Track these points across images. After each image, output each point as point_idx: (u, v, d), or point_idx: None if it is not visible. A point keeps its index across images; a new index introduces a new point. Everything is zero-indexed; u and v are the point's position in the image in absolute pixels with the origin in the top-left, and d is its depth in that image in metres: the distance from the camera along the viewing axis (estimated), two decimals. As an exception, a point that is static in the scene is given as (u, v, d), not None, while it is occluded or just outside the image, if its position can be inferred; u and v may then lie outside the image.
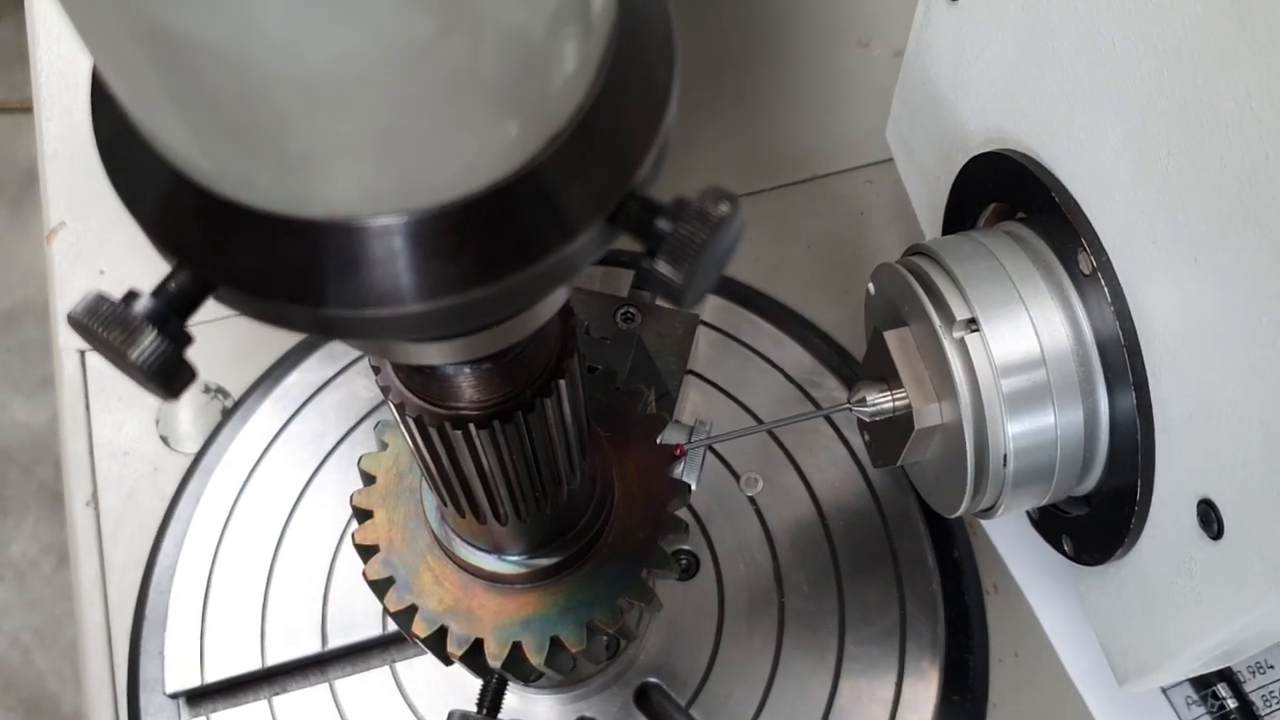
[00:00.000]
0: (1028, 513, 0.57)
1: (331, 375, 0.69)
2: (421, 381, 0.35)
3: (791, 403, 0.68)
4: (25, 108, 2.08)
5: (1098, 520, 0.50)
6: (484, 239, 0.23)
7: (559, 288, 0.25)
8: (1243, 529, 0.41)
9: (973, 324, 0.47)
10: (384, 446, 0.50)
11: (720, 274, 0.25)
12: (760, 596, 0.64)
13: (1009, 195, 0.50)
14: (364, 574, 0.48)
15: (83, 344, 0.73)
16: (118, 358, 0.24)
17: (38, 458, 1.93)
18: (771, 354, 0.69)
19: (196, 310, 0.24)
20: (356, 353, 0.69)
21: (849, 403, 0.52)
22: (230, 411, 0.70)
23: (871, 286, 0.55)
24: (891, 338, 0.50)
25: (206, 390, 0.72)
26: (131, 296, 0.24)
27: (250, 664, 0.62)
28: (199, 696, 0.62)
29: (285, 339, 0.72)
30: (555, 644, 0.47)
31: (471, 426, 0.35)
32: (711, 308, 0.70)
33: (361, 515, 0.49)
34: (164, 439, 0.71)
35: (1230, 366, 0.39)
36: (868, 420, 0.53)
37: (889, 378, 0.51)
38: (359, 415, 0.67)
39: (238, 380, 0.71)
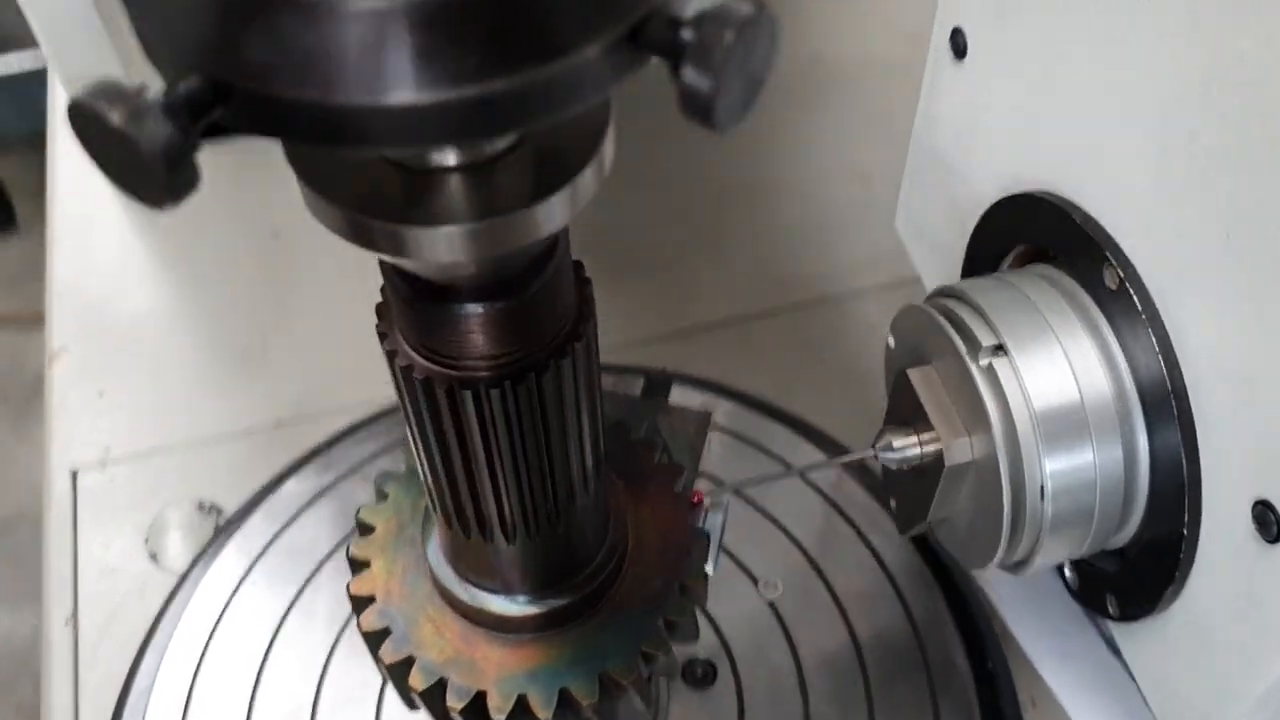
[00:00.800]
0: (1066, 583, 0.54)
1: (329, 483, 0.66)
2: (431, 334, 0.33)
3: (805, 499, 0.65)
4: (36, 319, 2.13)
5: (1141, 565, 0.47)
6: (505, 28, 0.22)
7: (576, 107, 0.24)
8: None
9: (1000, 350, 0.46)
10: (384, 498, 0.47)
11: (756, 88, 0.24)
12: (784, 707, 0.59)
13: (1027, 235, 0.50)
14: (358, 624, 0.44)
15: (75, 463, 0.71)
16: (121, 143, 0.22)
17: (16, 676, 1.85)
18: (786, 455, 0.67)
19: (206, 117, 0.23)
20: (353, 461, 0.67)
21: (873, 448, 0.50)
22: (223, 529, 0.67)
23: (891, 340, 0.53)
24: (915, 375, 0.49)
25: (200, 507, 0.69)
26: (142, 88, 0.23)
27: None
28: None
29: (282, 455, 0.70)
30: (564, 698, 0.43)
31: (482, 388, 0.33)
32: (724, 412, 0.69)
33: (358, 566, 0.46)
34: (153, 556, 0.67)
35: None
36: (894, 467, 0.50)
37: (915, 422, 0.49)
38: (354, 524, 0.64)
39: (232, 498, 0.69)
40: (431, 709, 0.43)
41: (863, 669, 0.60)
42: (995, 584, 0.65)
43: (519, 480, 0.37)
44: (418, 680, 0.43)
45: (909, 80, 0.87)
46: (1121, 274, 0.44)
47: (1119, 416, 0.46)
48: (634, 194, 0.75)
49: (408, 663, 0.43)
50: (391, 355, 0.34)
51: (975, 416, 0.47)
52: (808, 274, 0.78)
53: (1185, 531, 0.44)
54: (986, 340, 0.46)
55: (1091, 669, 0.63)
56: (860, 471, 0.66)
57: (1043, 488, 0.45)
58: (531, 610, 0.43)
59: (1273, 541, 0.39)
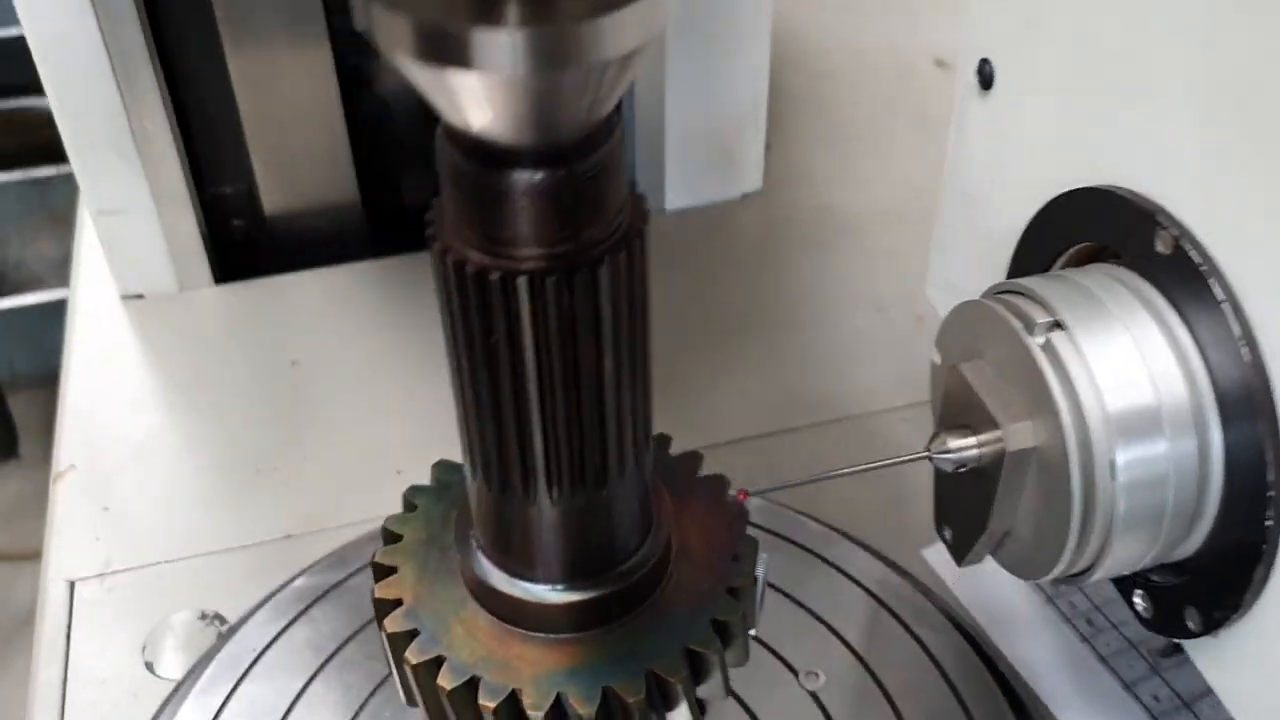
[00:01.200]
0: (1138, 614, 0.50)
1: (340, 579, 0.63)
2: (486, 214, 0.32)
3: (845, 592, 0.62)
4: (27, 555, 2.07)
5: (1217, 567, 0.44)
6: None
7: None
8: None
9: (1058, 325, 0.44)
10: (412, 509, 0.45)
11: None
12: (833, 802, 0.54)
13: (1070, 237, 0.49)
14: (382, 628, 0.41)
15: (73, 575, 0.68)
16: None
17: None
18: (818, 548, 0.64)
19: None
20: (367, 557, 0.63)
21: (928, 450, 0.48)
22: (225, 636, 0.63)
23: (937, 356, 0.52)
24: (968, 369, 0.47)
25: (202, 617, 0.65)
26: None
27: None
28: None
29: (292, 566, 0.67)
30: (607, 699, 0.39)
31: (537, 278, 0.32)
32: (755, 508, 0.66)
33: (382, 572, 0.43)
34: (149, 665, 0.63)
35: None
36: (949, 469, 0.48)
37: (970, 422, 0.47)
38: (368, 618, 0.61)
39: (237, 608, 0.65)
40: (459, 715, 0.40)
41: (917, 761, 0.55)
42: (1042, 677, 0.62)
43: (569, 406, 0.35)
44: (447, 679, 0.39)
45: (915, 225, 0.90)
46: (1175, 235, 0.44)
47: (1192, 407, 0.44)
48: (659, 321, 0.76)
49: (436, 663, 0.40)
50: (442, 255, 0.33)
51: (1037, 398, 0.44)
52: (829, 394, 0.78)
53: (1267, 528, 0.41)
54: (1041, 318, 0.45)
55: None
56: (906, 562, 0.64)
57: (1113, 466, 0.43)
58: (571, 598, 0.40)
59: None
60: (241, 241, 0.88)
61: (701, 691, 0.42)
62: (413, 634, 0.40)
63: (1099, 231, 0.48)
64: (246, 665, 0.59)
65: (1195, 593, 0.47)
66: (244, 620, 0.63)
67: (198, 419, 0.77)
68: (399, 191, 0.92)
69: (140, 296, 0.85)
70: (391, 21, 0.28)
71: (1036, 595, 0.66)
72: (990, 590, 0.66)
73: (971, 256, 0.57)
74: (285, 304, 0.85)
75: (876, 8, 1.12)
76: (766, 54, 0.85)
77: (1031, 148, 0.52)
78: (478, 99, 0.29)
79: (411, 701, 0.42)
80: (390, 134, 0.91)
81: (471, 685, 0.39)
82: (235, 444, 0.75)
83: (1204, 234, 0.43)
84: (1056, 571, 0.46)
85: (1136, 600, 0.51)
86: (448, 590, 0.42)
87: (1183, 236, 0.44)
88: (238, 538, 0.69)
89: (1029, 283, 0.47)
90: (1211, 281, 0.43)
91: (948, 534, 0.52)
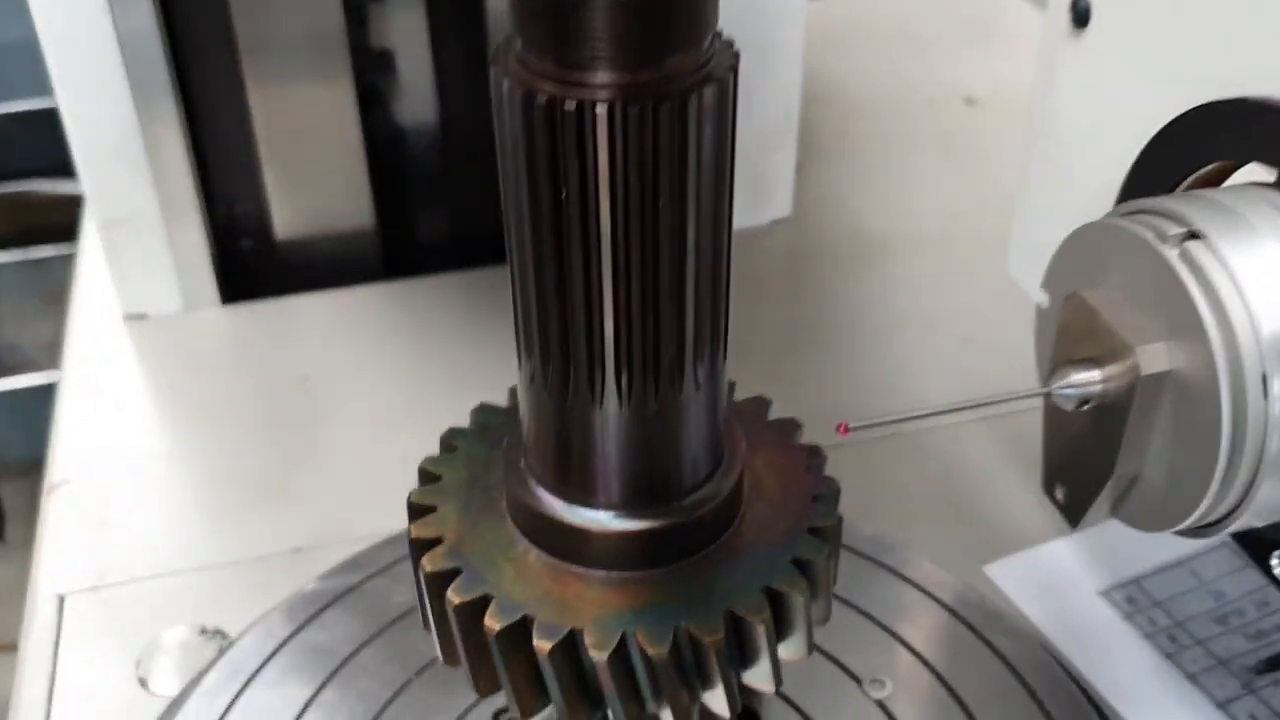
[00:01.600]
0: (1275, 577, 0.45)
1: (356, 581, 0.57)
2: (559, 29, 0.28)
3: (908, 597, 0.57)
4: (8, 646, 2.00)
5: None
6: None
7: None
8: None
9: (1194, 236, 0.40)
10: (452, 449, 0.40)
11: None
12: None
13: (1192, 161, 0.45)
14: (421, 568, 0.36)
15: (63, 589, 0.62)
16: None
17: None
18: (880, 557, 0.59)
19: None
20: (390, 558, 0.58)
21: (1048, 387, 0.43)
22: (226, 649, 0.57)
23: (1045, 299, 0.47)
24: (1091, 295, 0.42)
25: (201, 631, 0.59)
26: None
27: None
28: None
29: (299, 580, 0.61)
30: (679, 641, 0.34)
31: (617, 106, 0.28)
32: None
33: (419, 512, 0.38)
34: (142, 681, 0.57)
35: None
36: (1071, 408, 0.43)
37: (1094, 354, 0.42)
38: (385, 622, 0.55)
39: (239, 622, 0.60)
40: (509, 664, 0.34)
41: (999, 771, 0.49)
42: (1127, 693, 0.56)
43: (645, 279, 0.31)
44: (495, 619, 0.34)
45: (956, 247, 0.86)
46: None
47: None
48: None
49: (481, 604, 0.35)
50: (508, 88, 0.29)
51: (1176, 315, 0.40)
52: (880, 411, 0.73)
53: None
54: (1175, 230, 0.40)
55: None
56: (969, 574, 0.58)
57: (1267, 388, 0.38)
58: (637, 526, 0.35)
59: None
60: (250, 262, 0.84)
61: (784, 651, 0.37)
62: (454, 573, 0.35)
63: (1234, 149, 0.44)
64: (252, 671, 0.53)
65: None
66: (250, 627, 0.57)
67: (201, 435, 0.73)
68: (414, 220, 0.89)
69: (144, 316, 0.81)
70: None
71: (1112, 611, 0.61)
72: (1062, 605, 0.61)
73: (1067, 211, 0.53)
74: (294, 324, 0.81)
75: (905, 48, 1.11)
76: (799, 71, 0.83)
77: (1140, 75, 0.48)
78: None
79: (451, 659, 0.36)
80: (408, 163, 0.88)
81: (523, 626, 0.34)
82: (240, 460, 0.70)
83: None
84: (1193, 518, 0.41)
85: (1275, 563, 0.46)
86: (494, 530, 0.37)
87: None
88: (241, 552, 0.64)
89: (1156, 201, 0.43)
90: None
91: (1060, 493, 0.47)
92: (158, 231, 0.78)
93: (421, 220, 0.90)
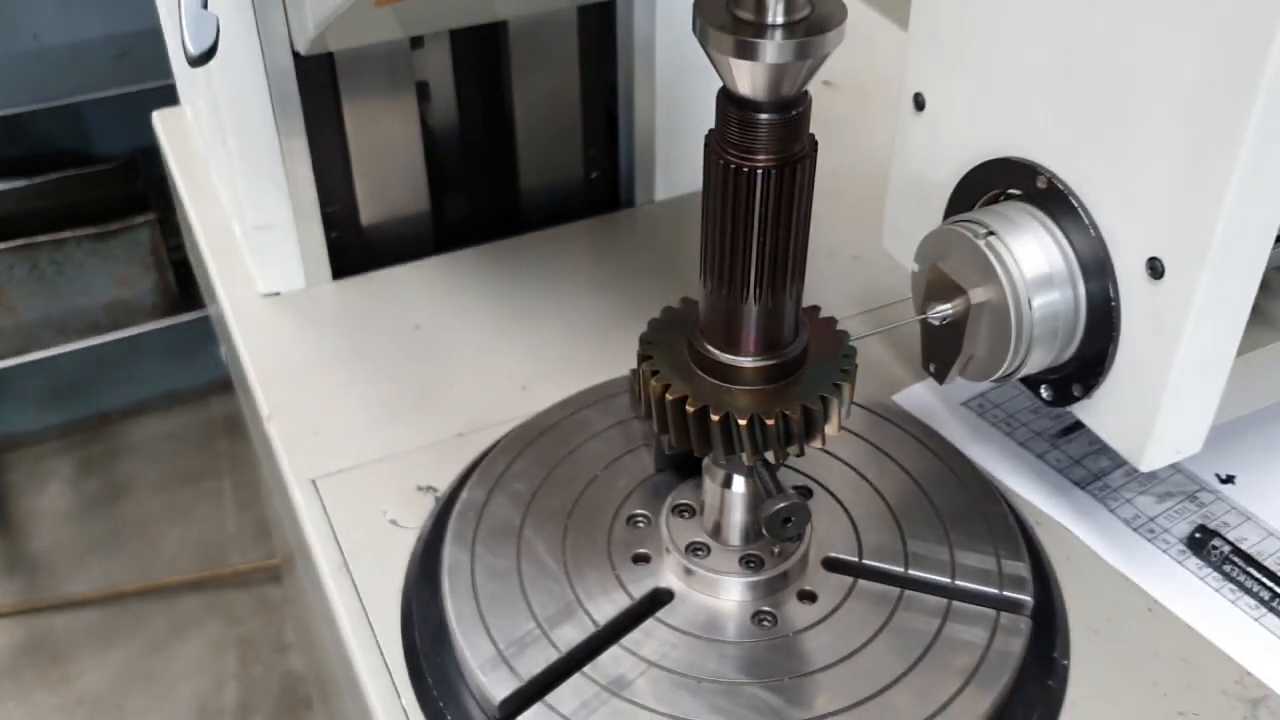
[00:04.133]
0: (1042, 397, 0.83)
1: (557, 420, 0.91)
2: (742, 136, 0.63)
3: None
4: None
5: (1089, 360, 0.78)
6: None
7: None
8: (1177, 273, 0.70)
9: (992, 233, 0.77)
10: (656, 329, 0.74)
11: None
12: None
13: (983, 190, 0.82)
14: (648, 382, 0.70)
15: (311, 475, 0.93)
16: None
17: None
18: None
19: None
20: (544, 425, 0.92)
21: (924, 314, 0.80)
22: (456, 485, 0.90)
23: (915, 265, 0.84)
24: (944, 264, 0.80)
25: (419, 488, 0.92)
26: None
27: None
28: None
29: (467, 455, 0.94)
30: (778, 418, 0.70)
31: (760, 172, 0.63)
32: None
33: (644, 359, 0.72)
34: (393, 521, 0.90)
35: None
36: (937, 325, 0.80)
37: (946, 297, 0.79)
38: (573, 445, 0.89)
39: (443, 481, 0.92)
40: (695, 428, 0.69)
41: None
42: (986, 458, 0.95)
43: (776, 243, 0.66)
44: (692, 405, 0.69)
45: (836, 197, 1.23)
46: (1048, 177, 0.78)
47: (1068, 271, 0.77)
48: (665, 287, 1.07)
49: (682, 399, 0.69)
50: (715, 159, 0.64)
51: (986, 274, 0.77)
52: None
53: (1113, 335, 0.76)
54: (983, 230, 0.78)
55: (1064, 496, 0.92)
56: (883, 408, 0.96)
57: (1031, 306, 0.76)
58: (761, 363, 0.70)
59: (1158, 277, 0.71)
60: (341, 248, 1.14)
61: (828, 428, 0.73)
62: (667, 385, 0.70)
63: (1000, 183, 0.82)
64: (497, 476, 0.87)
65: (1078, 376, 0.81)
66: (488, 451, 0.90)
67: (358, 371, 1.04)
68: (457, 204, 1.21)
69: (277, 294, 1.11)
70: (717, 36, 0.59)
71: (970, 413, 1.00)
72: (942, 413, 1.00)
73: (916, 214, 0.91)
74: (394, 289, 1.13)
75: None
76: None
77: (952, 141, 0.86)
78: (752, 74, 0.60)
79: (663, 430, 0.71)
80: (451, 161, 1.19)
81: (705, 410, 0.69)
82: (389, 383, 1.02)
83: (1065, 174, 0.76)
84: (999, 374, 0.78)
85: (1042, 390, 0.85)
86: (685, 367, 0.72)
87: (1053, 178, 0.78)
88: (420, 440, 0.96)
89: (968, 215, 0.81)
90: (1071, 200, 0.77)
91: (933, 367, 0.85)
92: (290, 231, 1.08)
93: (464, 205, 1.21)
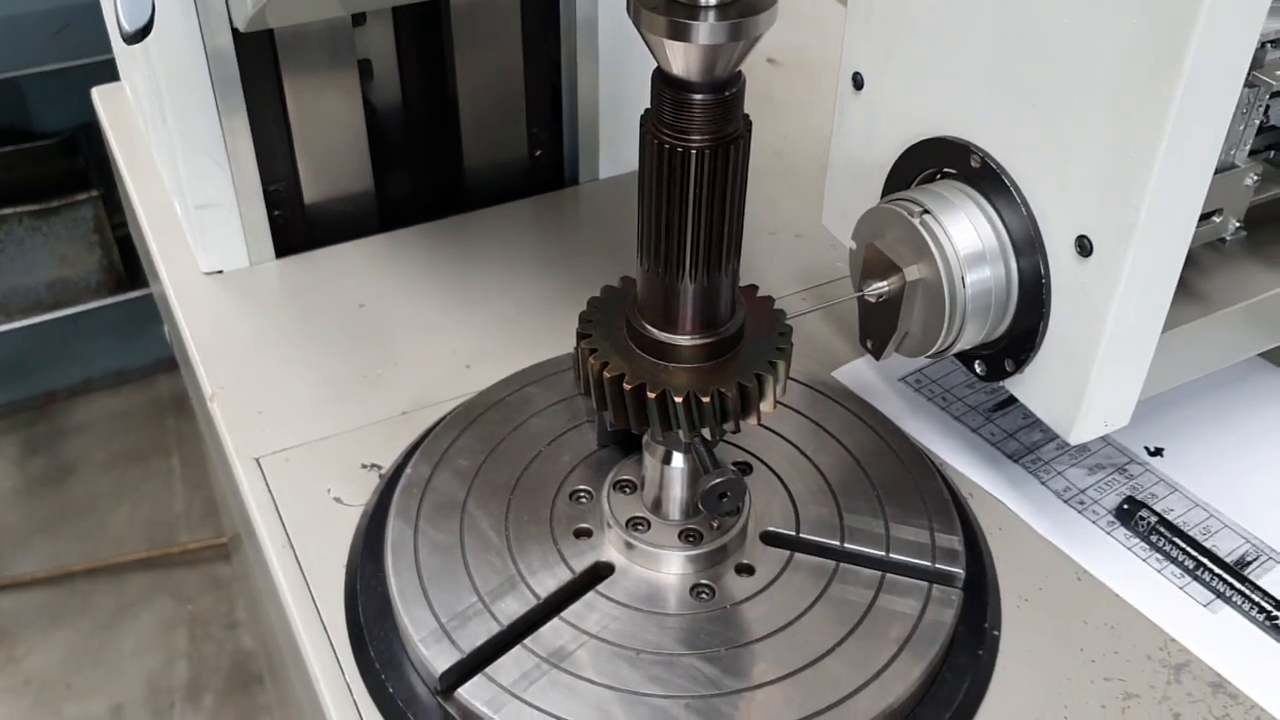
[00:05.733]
0: (976, 373, 0.85)
1: (475, 415, 0.91)
2: (674, 117, 0.63)
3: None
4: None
5: (1020, 336, 0.80)
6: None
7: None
8: (1104, 250, 0.72)
9: (927, 212, 0.79)
10: (595, 307, 0.75)
11: None
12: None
13: (920, 168, 0.84)
14: (588, 360, 0.71)
15: (255, 454, 0.94)
16: None
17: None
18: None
19: None
20: (487, 403, 0.93)
21: (861, 292, 0.81)
22: (387, 476, 0.91)
23: (853, 243, 0.85)
24: (880, 243, 0.81)
25: (363, 466, 0.93)
26: None
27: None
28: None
29: (412, 433, 0.95)
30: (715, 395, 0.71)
31: (694, 152, 0.64)
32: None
33: (583, 336, 0.73)
34: (337, 499, 0.90)
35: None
36: (873, 302, 0.82)
37: (883, 275, 0.81)
38: (516, 423, 0.90)
39: (386, 459, 0.93)
40: (632, 405, 0.70)
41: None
42: (920, 432, 0.97)
43: (710, 222, 0.67)
44: (629, 383, 0.70)
45: (779, 176, 1.24)
46: (981, 156, 0.79)
47: (1000, 248, 0.79)
48: (608, 264, 1.08)
49: (619, 377, 0.70)
50: (650, 139, 0.64)
51: (921, 252, 0.79)
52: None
53: (1043, 311, 0.77)
54: (918, 209, 0.79)
55: (997, 469, 0.94)
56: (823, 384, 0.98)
57: (964, 282, 0.77)
58: (697, 342, 0.71)
59: (1086, 255, 0.73)
60: (284, 226, 1.14)
61: (763, 405, 0.74)
62: (604, 364, 0.71)
63: (936, 162, 0.83)
64: (441, 453, 0.87)
65: (1010, 351, 0.83)
66: (432, 429, 0.91)
67: (300, 348, 1.04)
68: (400, 182, 1.21)
69: (220, 272, 1.11)
70: (650, 17, 0.59)
71: (908, 388, 1.02)
72: (880, 389, 1.02)
73: (854, 192, 0.92)
74: (337, 268, 1.12)
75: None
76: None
77: (889, 121, 0.87)
78: (685, 55, 0.61)
79: (601, 407, 0.72)
80: (394, 140, 1.19)
81: (641, 388, 0.70)
82: (336, 361, 1.02)
83: (997, 154, 0.78)
84: (934, 350, 0.80)
85: (976, 366, 0.86)
86: (623, 345, 0.72)
87: (986, 157, 0.79)
88: (364, 419, 0.97)
89: (904, 194, 0.82)
90: (1004, 179, 0.78)
91: (869, 344, 0.86)
92: (232, 209, 1.08)
93: (405, 183, 1.21)
